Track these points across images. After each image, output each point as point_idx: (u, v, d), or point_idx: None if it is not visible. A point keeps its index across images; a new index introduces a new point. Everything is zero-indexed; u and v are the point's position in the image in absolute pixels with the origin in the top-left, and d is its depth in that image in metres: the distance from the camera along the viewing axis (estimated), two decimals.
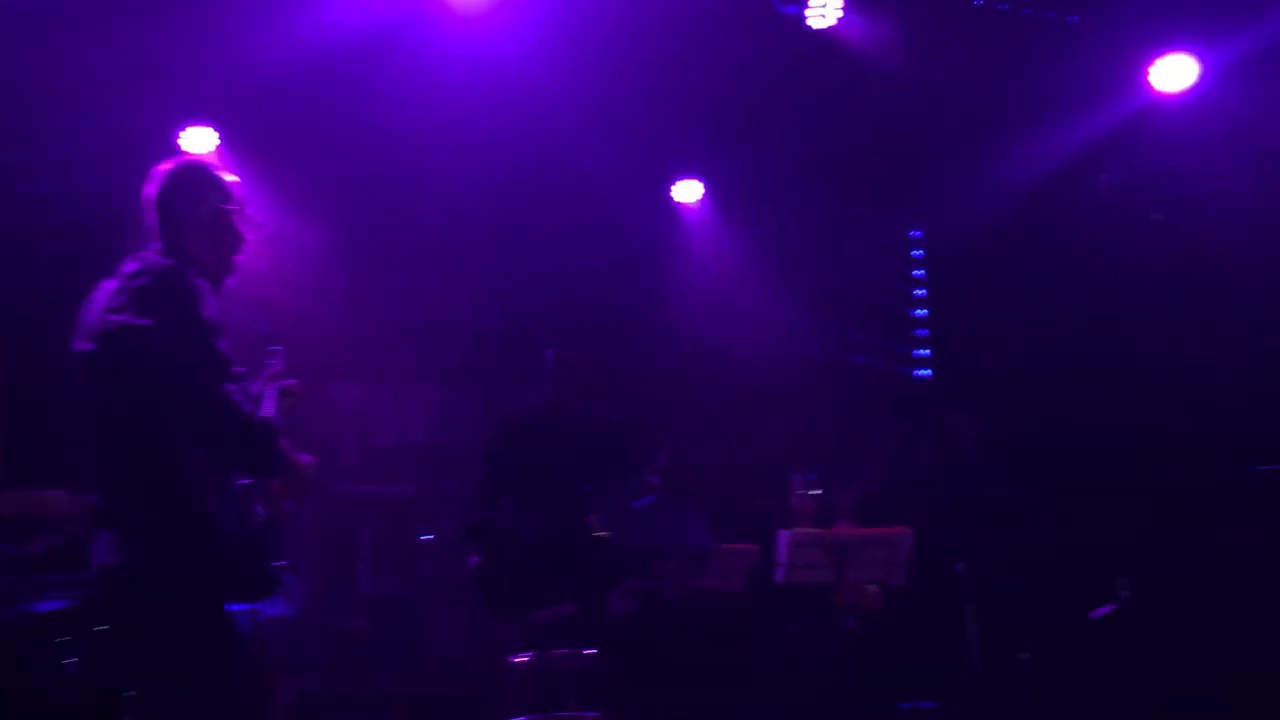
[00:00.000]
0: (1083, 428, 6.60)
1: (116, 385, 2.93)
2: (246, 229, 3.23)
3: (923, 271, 8.55)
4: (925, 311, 8.50)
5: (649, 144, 7.09)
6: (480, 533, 5.19)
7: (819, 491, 6.18)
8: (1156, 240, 6.97)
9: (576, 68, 6.20)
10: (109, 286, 3.03)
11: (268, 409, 3.07)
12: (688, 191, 7.93)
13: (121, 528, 2.91)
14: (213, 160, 3.88)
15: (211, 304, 2.95)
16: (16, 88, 5.95)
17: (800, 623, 5.92)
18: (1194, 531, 5.73)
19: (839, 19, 6.14)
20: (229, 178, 3.26)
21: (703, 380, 8.09)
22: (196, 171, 3.24)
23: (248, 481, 3.07)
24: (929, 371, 8.42)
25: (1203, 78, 6.46)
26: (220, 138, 6.65)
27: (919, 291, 8.54)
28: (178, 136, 6.57)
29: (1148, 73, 6.55)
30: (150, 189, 3.18)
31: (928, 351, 8.45)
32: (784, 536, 5.31)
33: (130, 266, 3.03)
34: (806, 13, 6.20)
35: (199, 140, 6.62)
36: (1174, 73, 6.50)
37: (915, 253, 8.58)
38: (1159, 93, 6.59)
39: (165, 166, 3.22)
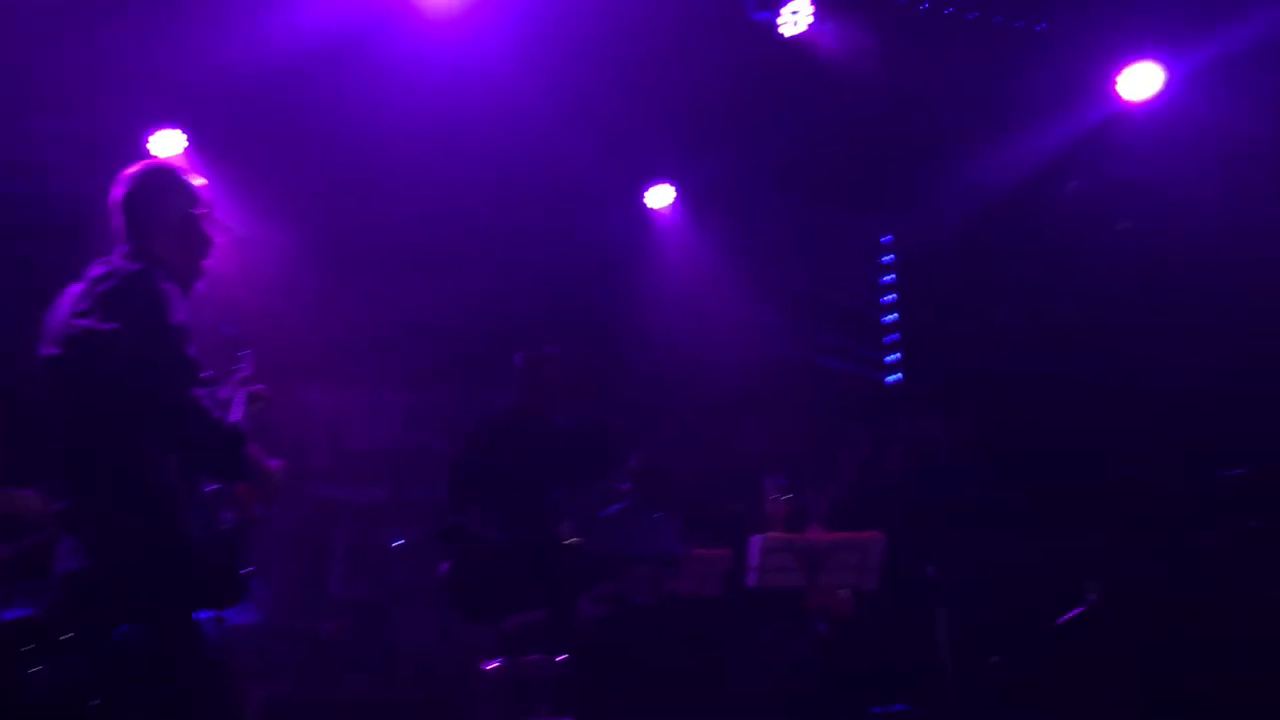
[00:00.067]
0: (1052, 432, 6.65)
1: (82, 390, 2.90)
2: (215, 232, 3.22)
3: (893, 276, 8.59)
4: (895, 316, 8.55)
5: (622, 148, 7.10)
6: (451, 537, 5.17)
7: (791, 495, 6.21)
8: (1124, 246, 7.04)
9: (548, 72, 6.20)
10: (75, 290, 3.00)
11: (236, 413, 3.06)
12: (660, 196, 7.95)
13: (86, 533, 2.88)
14: (181, 163, 3.85)
15: (180, 308, 2.93)
16: None
17: (772, 627, 5.93)
18: (1161, 535, 5.78)
19: (810, 26, 6.17)
20: (197, 181, 3.24)
21: (675, 385, 8.10)
22: (164, 174, 3.22)
23: (216, 487, 3.05)
24: (899, 376, 8.46)
25: (1169, 85, 6.53)
26: (189, 141, 6.61)
27: (889, 296, 8.59)
28: (146, 140, 6.53)
29: (1115, 81, 6.62)
30: (117, 192, 3.16)
31: (898, 356, 8.49)
32: (755, 541, 5.32)
33: (97, 270, 3.00)
34: (778, 20, 6.23)
35: (167, 143, 6.57)
36: (1140, 81, 6.57)
37: (886, 258, 8.62)
38: (1126, 101, 6.66)
39: (133, 170, 3.19)
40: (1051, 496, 6.25)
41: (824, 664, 5.76)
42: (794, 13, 6.22)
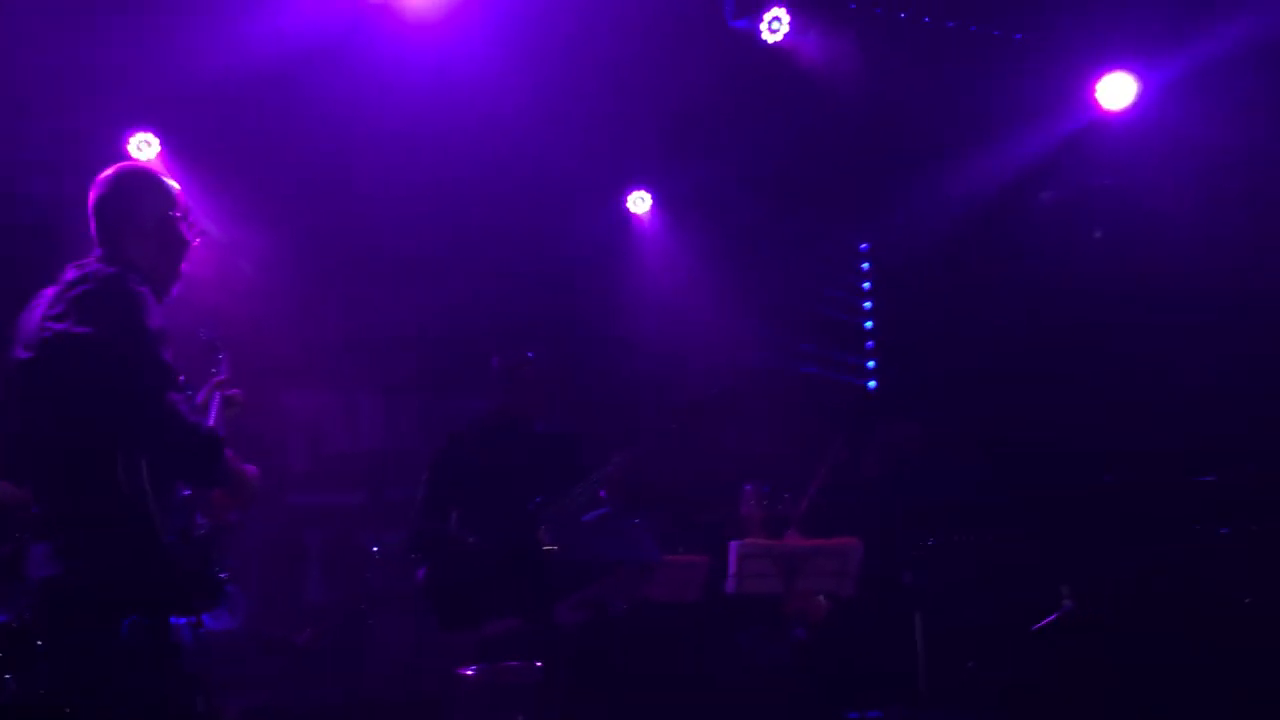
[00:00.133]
0: (1029, 437, 6.68)
1: (56, 394, 2.88)
2: (192, 235, 3.20)
3: (870, 283, 8.63)
4: (872, 322, 8.59)
5: (601, 154, 7.10)
6: (428, 544, 5.15)
7: (769, 501, 6.22)
8: (1100, 253, 7.09)
9: (527, 77, 6.20)
10: (49, 294, 2.98)
11: (212, 418, 3.04)
12: (639, 202, 7.97)
13: (60, 539, 2.86)
14: (157, 166, 3.84)
15: (155, 312, 2.91)
16: None
17: (750, 632, 5.94)
18: (1137, 541, 5.82)
19: (789, 34, 6.20)
20: (173, 184, 3.22)
21: (653, 390, 8.10)
22: (140, 177, 3.21)
23: (191, 492, 3.03)
24: (876, 382, 8.50)
25: (1144, 95, 6.59)
26: (165, 144, 6.58)
27: (867, 303, 8.62)
28: (123, 142, 6.49)
29: (1092, 90, 6.67)
30: (92, 195, 3.14)
31: (876, 362, 8.53)
32: (734, 547, 5.33)
33: (71, 274, 2.98)
34: (759, 27, 6.26)
35: (143, 146, 6.54)
36: (1115, 91, 6.63)
37: (863, 264, 8.66)
38: (1103, 110, 6.72)
39: (108, 172, 3.18)
40: (1028, 502, 6.28)
41: (802, 669, 5.77)
42: (775, 20, 6.25)
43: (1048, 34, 6.44)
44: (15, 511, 3.99)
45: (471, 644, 5.11)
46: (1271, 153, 6.21)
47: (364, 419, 8.56)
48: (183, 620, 2.97)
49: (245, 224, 6.87)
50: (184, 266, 3.20)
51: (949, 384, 7.34)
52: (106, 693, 2.84)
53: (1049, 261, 7.19)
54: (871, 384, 8.50)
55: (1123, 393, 6.67)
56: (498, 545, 5.02)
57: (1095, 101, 6.68)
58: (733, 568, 5.32)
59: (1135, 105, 6.62)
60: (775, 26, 6.24)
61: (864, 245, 8.66)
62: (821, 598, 5.69)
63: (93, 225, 3.13)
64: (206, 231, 3.31)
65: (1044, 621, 5.56)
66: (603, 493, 6.09)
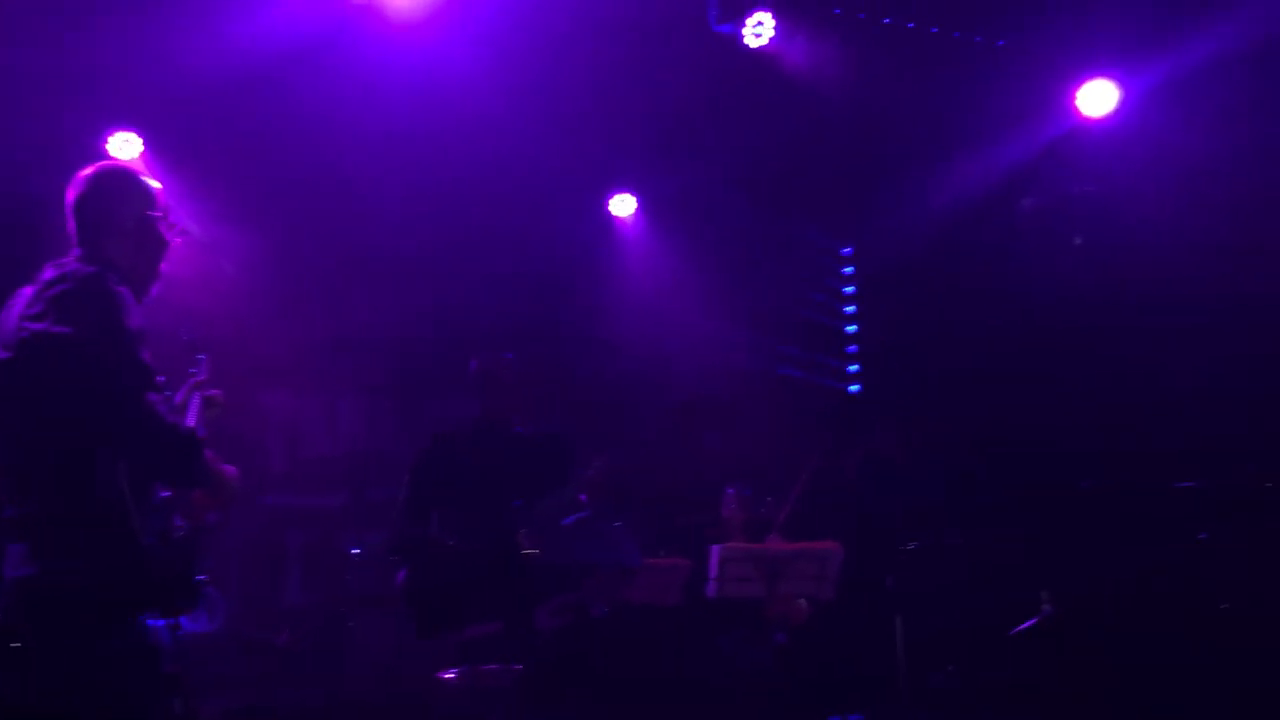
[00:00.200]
0: (1010, 442, 6.71)
1: (34, 394, 2.85)
2: (171, 235, 3.18)
3: (853, 287, 8.66)
4: (855, 327, 8.61)
5: (584, 157, 7.11)
6: (408, 547, 5.13)
7: (751, 504, 6.23)
8: (1080, 259, 7.13)
9: (512, 80, 6.20)
10: (26, 293, 2.96)
11: (191, 419, 3.02)
12: (622, 205, 7.97)
13: (36, 539, 2.84)
14: (137, 165, 3.81)
15: (134, 312, 2.89)
16: None
17: (731, 635, 5.94)
18: (1117, 546, 5.85)
19: (772, 39, 6.22)
20: (153, 183, 3.21)
21: (636, 394, 8.11)
22: (119, 176, 3.18)
23: (170, 493, 3.01)
24: (858, 386, 8.52)
25: (1125, 102, 6.63)
26: (147, 143, 6.55)
27: (850, 307, 8.65)
28: (104, 141, 6.46)
29: (1073, 96, 6.71)
30: (71, 194, 3.12)
31: (857, 366, 8.55)
32: (715, 551, 5.34)
33: (49, 274, 2.96)
34: (743, 31, 6.27)
35: (124, 145, 6.51)
36: (1097, 97, 6.67)
37: (846, 269, 8.69)
38: (1084, 116, 6.75)
39: (87, 171, 3.15)
40: (1009, 506, 6.31)
41: (783, 672, 5.78)
42: (758, 25, 6.26)
43: (1030, 41, 6.48)
44: None
45: (451, 647, 5.09)
46: (1251, 159, 6.25)
47: (344, 420, 8.54)
48: (161, 622, 2.95)
49: (227, 224, 6.85)
50: (164, 266, 3.17)
51: (931, 388, 7.37)
52: (83, 694, 2.82)
53: (1030, 267, 7.23)
54: (853, 388, 8.52)
55: (1103, 396, 6.71)
56: (479, 548, 5.00)
57: (1076, 108, 6.73)
58: (714, 571, 5.33)
59: (1116, 112, 6.67)
60: (759, 31, 6.26)
61: (847, 249, 8.68)
62: (803, 601, 5.71)
63: (71, 224, 3.10)
64: (187, 231, 3.29)
65: (1023, 626, 5.58)
66: (583, 496, 6.09)
